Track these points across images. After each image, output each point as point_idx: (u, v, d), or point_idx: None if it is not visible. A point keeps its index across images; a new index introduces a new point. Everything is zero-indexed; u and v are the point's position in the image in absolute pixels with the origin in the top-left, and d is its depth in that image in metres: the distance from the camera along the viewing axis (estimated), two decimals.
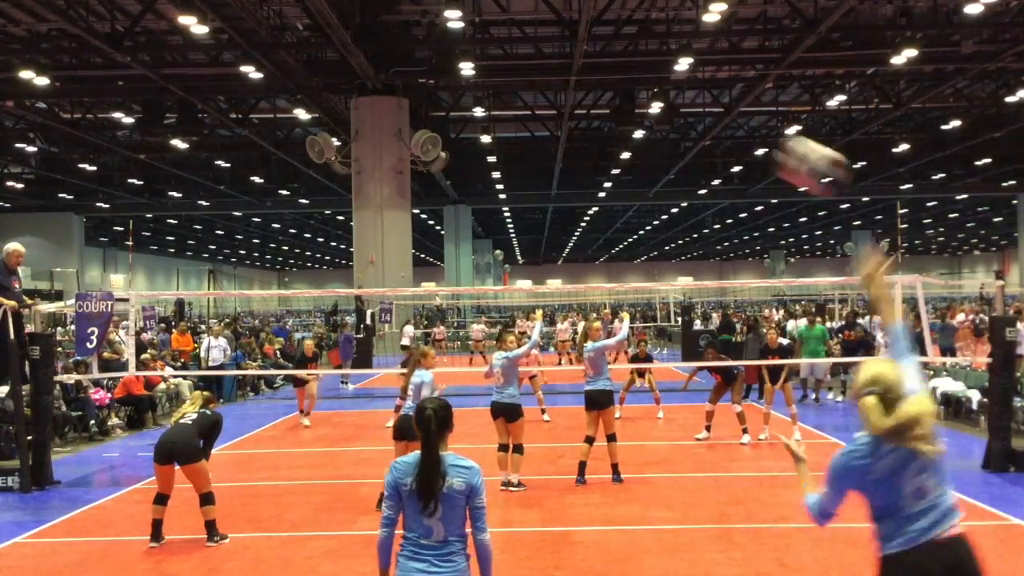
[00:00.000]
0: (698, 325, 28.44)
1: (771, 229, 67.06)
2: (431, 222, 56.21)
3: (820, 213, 58.17)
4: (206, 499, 7.48)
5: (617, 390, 11.95)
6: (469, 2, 19.88)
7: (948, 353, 19.25)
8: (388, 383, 21.12)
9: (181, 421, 7.65)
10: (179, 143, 28.56)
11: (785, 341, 20.64)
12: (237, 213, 50.71)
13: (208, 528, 7.52)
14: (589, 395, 9.44)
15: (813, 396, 16.86)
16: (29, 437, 10.01)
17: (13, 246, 10.27)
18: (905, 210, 52.54)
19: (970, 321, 20.44)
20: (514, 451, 9.16)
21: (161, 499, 7.49)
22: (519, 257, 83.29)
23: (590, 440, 9.44)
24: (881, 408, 3.41)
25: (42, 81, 21.33)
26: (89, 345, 10.78)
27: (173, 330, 22.17)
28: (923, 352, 12.49)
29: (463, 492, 3.56)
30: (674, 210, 55.70)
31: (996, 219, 60.61)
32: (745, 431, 12.04)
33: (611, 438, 9.48)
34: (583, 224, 62.48)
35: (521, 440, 9.18)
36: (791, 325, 22.04)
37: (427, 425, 3.59)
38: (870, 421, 3.42)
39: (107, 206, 43.61)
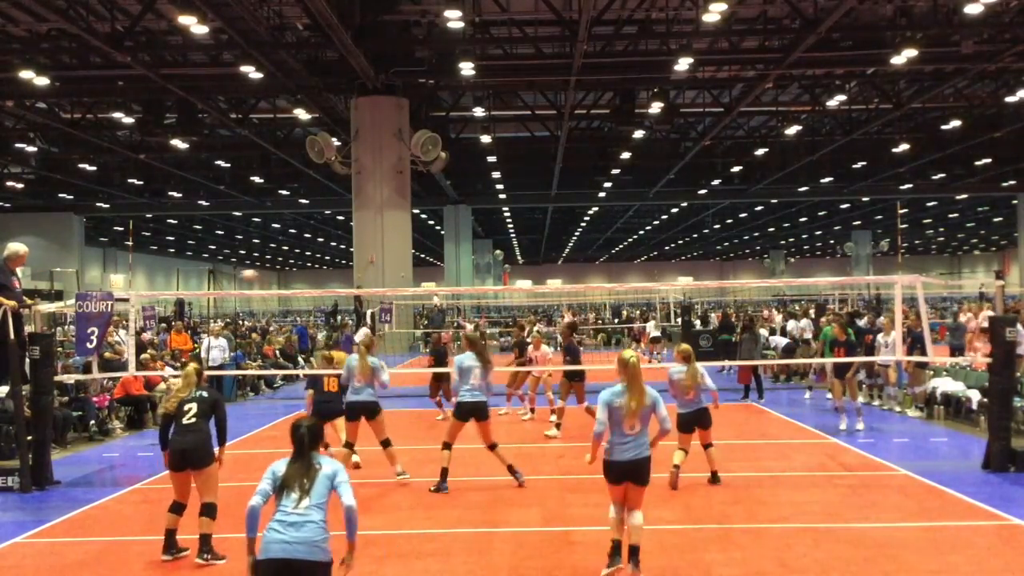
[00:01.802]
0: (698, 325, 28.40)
1: (771, 229, 67.05)
2: (431, 222, 56.21)
3: (820, 213, 58.16)
4: (208, 510, 7.08)
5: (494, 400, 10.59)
6: (469, 2, 19.87)
7: (957, 352, 19.23)
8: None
9: (187, 423, 7.22)
10: (179, 143, 28.55)
11: (784, 341, 20.72)
12: (237, 213, 50.71)
13: (201, 542, 6.99)
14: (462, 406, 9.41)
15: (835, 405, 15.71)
16: (29, 437, 10.01)
17: (16, 247, 10.27)
18: (905, 210, 52.55)
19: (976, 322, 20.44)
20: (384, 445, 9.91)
21: (177, 508, 7.15)
22: (519, 257, 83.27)
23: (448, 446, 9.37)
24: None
25: (42, 81, 21.33)
26: (89, 345, 10.78)
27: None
28: (923, 352, 12.50)
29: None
30: (674, 210, 55.70)
31: (996, 219, 60.62)
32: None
33: (493, 447, 9.42)
34: (583, 224, 62.47)
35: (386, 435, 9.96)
36: (791, 325, 22.04)
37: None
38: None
39: (107, 206, 43.61)
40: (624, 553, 6.44)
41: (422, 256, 67.73)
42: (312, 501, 4.85)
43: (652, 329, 27.61)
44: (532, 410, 14.81)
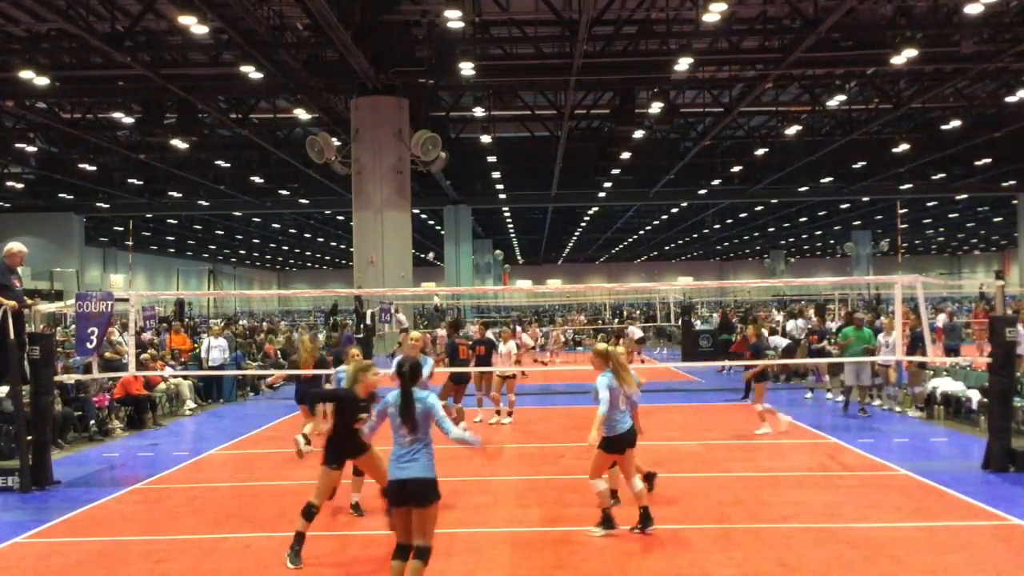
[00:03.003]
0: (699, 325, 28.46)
1: (771, 229, 67.06)
2: (431, 222, 56.22)
3: (820, 213, 58.18)
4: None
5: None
6: (469, 2, 19.86)
7: (953, 353, 19.26)
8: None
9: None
10: (179, 143, 28.54)
11: (784, 341, 20.71)
12: (237, 213, 50.72)
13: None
14: None
15: (858, 408, 14.79)
16: (29, 437, 10.00)
17: (15, 246, 10.27)
18: (905, 210, 52.58)
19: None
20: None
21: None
22: (519, 257, 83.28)
23: None
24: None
25: (42, 81, 21.33)
26: (89, 345, 10.77)
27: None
28: (923, 352, 12.51)
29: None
30: (674, 210, 55.71)
31: (996, 219, 60.64)
32: None
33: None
34: (583, 224, 62.48)
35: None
36: (791, 325, 22.05)
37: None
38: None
39: (107, 206, 43.60)
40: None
41: (422, 256, 67.76)
42: (419, 433, 5.86)
43: (636, 331, 27.92)
44: (498, 412, 14.23)
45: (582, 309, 50.42)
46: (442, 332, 24.29)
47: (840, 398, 16.63)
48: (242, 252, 78.90)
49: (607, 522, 7.56)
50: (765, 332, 21.39)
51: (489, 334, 14.62)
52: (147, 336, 19.09)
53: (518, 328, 28.26)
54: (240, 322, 36.83)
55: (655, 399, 16.02)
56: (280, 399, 19.45)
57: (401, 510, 5.85)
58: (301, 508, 7.03)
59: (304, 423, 11.43)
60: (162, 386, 16.50)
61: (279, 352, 23.42)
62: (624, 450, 7.63)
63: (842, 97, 27.21)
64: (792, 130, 30.62)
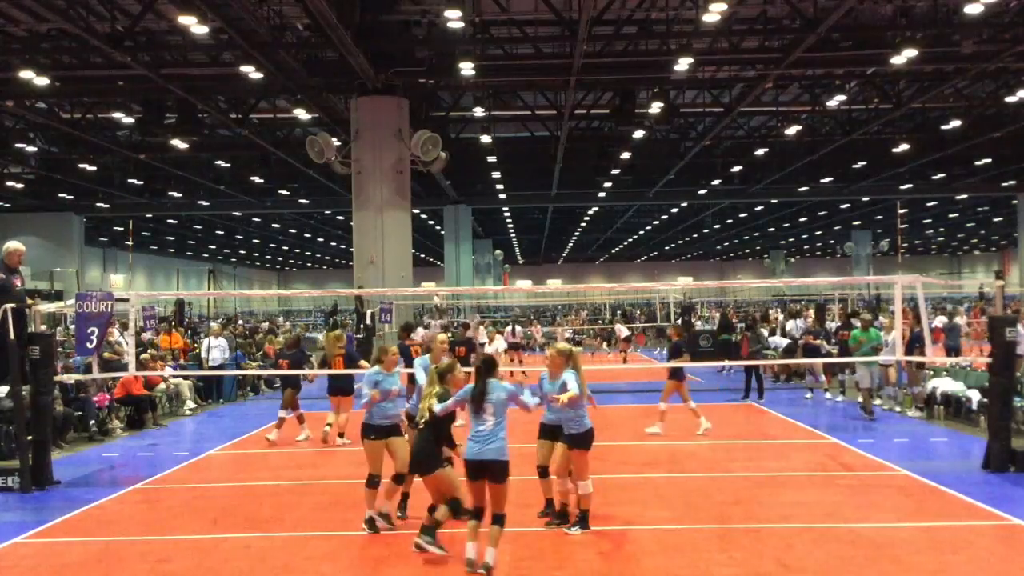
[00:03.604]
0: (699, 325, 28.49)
1: (771, 229, 67.03)
2: (431, 222, 56.22)
3: (820, 213, 58.16)
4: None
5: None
6: (469, 2, 19.85)
7: (953, 353, 19.28)
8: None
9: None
10: (179, 143, 28.52)
11: (784, 341, 20.71)
12: (237, 213, 50.68)
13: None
14: None
15: (862, 409, 14.55)
16: (29, 437, 10.00)
17: (12, 245, 10.27)
18: (905, 210, 52.54)
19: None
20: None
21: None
22: (519, 257, 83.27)
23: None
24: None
25: (42, 81, 21.31)
26: (89, 345, 10.78)
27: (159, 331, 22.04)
28: (922, 352, 12.51)
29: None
30: (674, 210, 55.68)
31: (996, 219, 60.62)
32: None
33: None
34: (583, 224, 62.46)
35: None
36: (791, 325, 22.04)
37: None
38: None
39: (107, 206, 43.56)
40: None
41: (422, 256, 67.74)
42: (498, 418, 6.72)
43: (622, 330, 28.55)
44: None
45: (582, 308, 50.51)
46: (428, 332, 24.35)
47: (840, 397, 16.66)
48: (242, 252, 78.87)
49: (583, 521, 7.79)
50: (765, 332, 21.46)
51: (483, 333, 14.62)
52: (146, 336, 19.10)
53: (516, 327, 28.36)
54: (239, 322, 36.84)
55: (655, 399, 15.96)
56: (280, 399, 19.44)
57: (477, 484, 6.74)
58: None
59: (337, 412, 12.48)
60: (162, 386, 16.50)
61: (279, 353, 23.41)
62: (591, 447, 7.88)
63: (842, 97, 27.19)
64: (792, 130, 30.60)
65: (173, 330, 21.56)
